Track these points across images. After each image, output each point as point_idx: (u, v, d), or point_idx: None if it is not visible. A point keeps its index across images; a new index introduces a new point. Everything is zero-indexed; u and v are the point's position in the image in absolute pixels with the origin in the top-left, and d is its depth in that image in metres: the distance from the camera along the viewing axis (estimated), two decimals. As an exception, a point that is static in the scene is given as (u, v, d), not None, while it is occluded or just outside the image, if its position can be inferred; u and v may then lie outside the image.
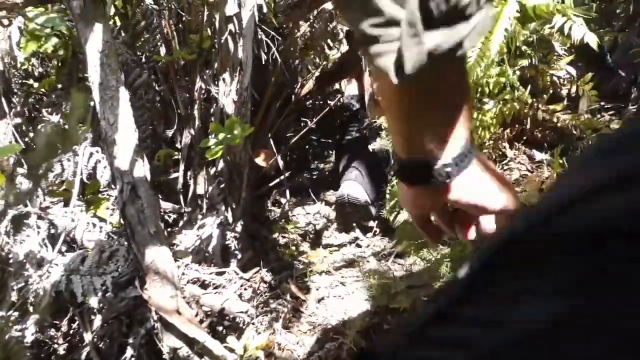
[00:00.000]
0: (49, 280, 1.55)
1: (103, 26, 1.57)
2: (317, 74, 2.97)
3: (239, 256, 2.03)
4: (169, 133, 2.23)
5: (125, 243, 1.66)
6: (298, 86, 2.90)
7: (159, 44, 2.07)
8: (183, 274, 1.67)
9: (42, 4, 1.65)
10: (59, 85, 1.91)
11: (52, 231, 1.69)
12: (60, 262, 1.61)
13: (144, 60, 2.17)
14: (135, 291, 1.56)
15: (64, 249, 1.73)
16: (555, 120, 2.30)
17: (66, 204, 1.77)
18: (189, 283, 1.66)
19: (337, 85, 2.98)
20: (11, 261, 1.56)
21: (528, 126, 2.37)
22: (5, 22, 1.61)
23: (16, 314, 1.53)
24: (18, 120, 1.72)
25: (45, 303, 1.52)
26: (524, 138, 2.44)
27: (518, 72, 2.30)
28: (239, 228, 2.06)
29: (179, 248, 1.83)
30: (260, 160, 2.19)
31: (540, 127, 2.38)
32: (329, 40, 2.93)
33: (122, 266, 1.63)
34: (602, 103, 2.55)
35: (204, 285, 1.73)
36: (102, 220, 1.81)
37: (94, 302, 1.55)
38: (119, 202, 1.56)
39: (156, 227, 1.57)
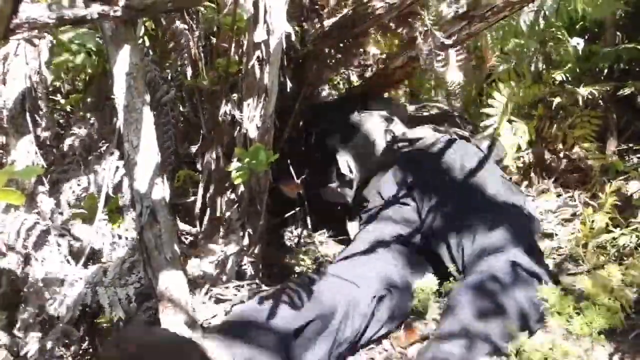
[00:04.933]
0: (72, 295, 1.54)
1: (132, 48, 1.57)
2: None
3: (254, 283, 2.01)
4: (191, 155, 2.23)
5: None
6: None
7: (185, 62, 2.08)
8: (203, 303, 1.65)
9: (74, 25, 1.66)
10: (87, 104, 1.92)
11: (76, 244, 1.68)
12: (83, 276, 1.60)
13: (170, 78, 2.18)
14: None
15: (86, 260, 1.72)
16: (583, 159, 2.27)
17: (90, 218, 1.77)
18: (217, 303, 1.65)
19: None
20: (31, 278, 1.55)
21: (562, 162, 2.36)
22: (36, 41, 1.63)
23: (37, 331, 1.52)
24: (44, 135, 1.72)
25: (68, 318, 1.50)
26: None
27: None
28: (255, 254, 2.04)
29: (197, 274, 1.81)
30: (287, 191, 2.18)
31: (572, 167, 2.36)
32: (353, 68, 2.95)
33: (144, 277, 1.61)
34: (631, 145, 2.50)
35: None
36: (120, 237, 1.80)
37: (120, 313, 1.53)
38: (137, 225, 1.55)
39: (172, 253, 1.54)
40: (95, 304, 1.61)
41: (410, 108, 2.84)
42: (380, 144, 2.22)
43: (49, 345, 1.54)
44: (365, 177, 2.20)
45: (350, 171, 2.21)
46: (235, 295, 1.83)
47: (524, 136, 2.31)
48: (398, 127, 2.29)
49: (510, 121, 2.33)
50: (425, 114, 2.62)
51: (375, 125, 2.27)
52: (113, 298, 1.59)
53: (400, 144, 2.17)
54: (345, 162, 2.22)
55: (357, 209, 2.19)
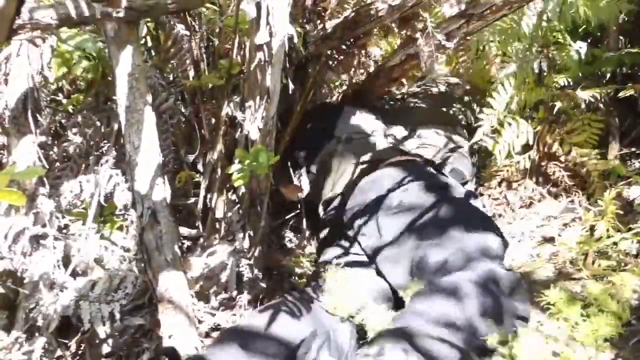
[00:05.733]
0: (59, 303, 1.53)
1: (135, 50, 1.57)
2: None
3: (254, 285, 2.01)
4: (192, 156, 2.23)
5: (135, 269, 1.64)
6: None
7: (188, 67, 2.08)
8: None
9: (76, 26, 1.66)
10: (87, 105, 1.92)
11: (67, 252, 1.67)
12: (71, 286, 1.59)
13: (172, 80, 2.18)
14: (139, 320, 1.55)
15: (78, 269, 1.71)
16: (584, 164, 2.26)
17: (84, 225, 1.75)
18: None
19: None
20: (26, 281, 1.55)
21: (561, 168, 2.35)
22: (39, 42, 1.62)
23: (24, 335, 1.51)
24: (43, 138, 1.72)
25: (53, 326, 1.50)
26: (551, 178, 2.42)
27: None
28: (255, 256, 2.03)
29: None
30: (287, 193, 2.18)
31: (570, 172, 2.35)
32: (354, 68, 2.95)
33: (129, 294, 1.61)
34: (633, 149, 2.49)
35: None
36: (114, 244, 1.79)
37: (101, 331, 1.52)
38: (137, 226, 1.55)
39: (173, 254, 1.55)
40: (75, 318, 1.61)
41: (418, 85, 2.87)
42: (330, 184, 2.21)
43: (35, 353, 1.53)
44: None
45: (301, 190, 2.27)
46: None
47: (522, 136, 2.31)
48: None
49: (510, 123, 2.33)
50: (432, 90, 2.64)
51: (336, 165, 2.24)
52: (96, 314, 1.58)
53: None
54: (299, 181, 2.29)
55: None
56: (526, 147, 2.39)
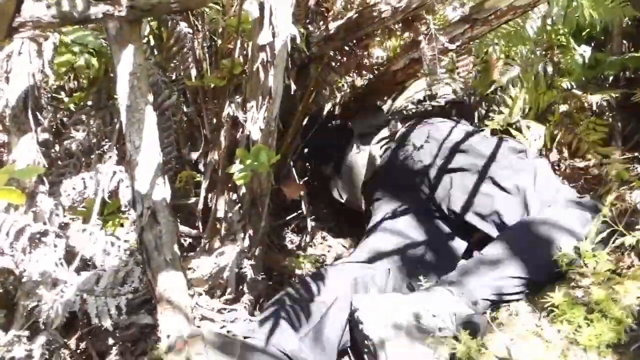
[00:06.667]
0: (62, 300, 1.53)
1: (137, 48, 1.57)
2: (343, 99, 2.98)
3: (254, 285, 2.00)
4: (193, 155, 2.23)
5: (142, 262, 1.63)
6: (324, 114, 2.90)
7: (190, 66, 2.07)
8: (196, 304, 1.64)
9: (78, 24, 1.65)
10: (89, 103, 1.92)
11: (69, 249, 1.66)
12: (75, 282, 1.58)
13: (174, 79, 2.18)
14: (147, 318, 1.54)
15: (80, 266, 1.70)
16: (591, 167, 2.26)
17: (85, 222, 1.75)
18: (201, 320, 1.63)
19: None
20: (25, 279, 1.54)
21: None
22: (41, 39, 1.62)
23: (26, 333, 1.51)
24: (45, 136, 1.72)
25: (57, 323, 1.49)
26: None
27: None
28: (256, 256, 2.03)
29: (195, 275, 1.80)
30: (288, 192, 2.18)
31: (576, 175, 2.34)
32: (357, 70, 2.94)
33: (137, 288, 1.60)
34: (636, 153, 2.47)
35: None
36: (119, 239, 1.79)
37: (107, 324, 1.52)
38: (137, 226, 1.54)
39: (172, 255, 1.54)
40: (80, 313, 1.60)
41: (419, 95, 2.87)
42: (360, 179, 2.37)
43: (35, 351, 1.53)
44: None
45: (341, 197, 2.44)
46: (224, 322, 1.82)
47: (539, 140, 2.30)
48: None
49: (519, 129, 2.32)
50: (437, 102, 2.69)
51: (359, 161, 2.38)
52: (102, 308, 1.57)
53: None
54: (337, 190, 2.47)
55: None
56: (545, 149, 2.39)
